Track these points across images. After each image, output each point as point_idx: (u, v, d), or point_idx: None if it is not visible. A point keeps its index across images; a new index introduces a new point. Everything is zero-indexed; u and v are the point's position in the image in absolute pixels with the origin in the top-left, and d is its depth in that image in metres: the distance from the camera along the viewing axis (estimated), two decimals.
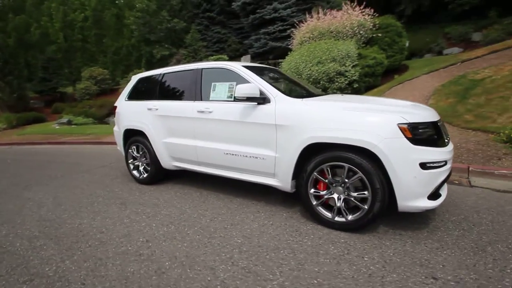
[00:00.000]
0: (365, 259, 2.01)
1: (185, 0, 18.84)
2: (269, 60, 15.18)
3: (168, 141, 3.52)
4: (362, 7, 9.64)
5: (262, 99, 2.69)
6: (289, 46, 14.87)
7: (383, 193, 2.18)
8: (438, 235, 2.27)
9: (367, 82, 8.81)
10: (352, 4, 9.94)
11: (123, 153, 4.21)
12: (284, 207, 2.94)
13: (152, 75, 3.88)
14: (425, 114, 2.32)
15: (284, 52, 15.00)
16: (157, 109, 3.57)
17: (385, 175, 2.16)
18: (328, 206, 2.49)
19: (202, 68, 3.29)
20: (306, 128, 2.42)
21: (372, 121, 2.20)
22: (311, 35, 9.89)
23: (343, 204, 2.37)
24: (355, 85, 8.19)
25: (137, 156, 3.97)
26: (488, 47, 10.06)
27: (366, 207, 2.25)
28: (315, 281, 1.80)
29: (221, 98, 3.06)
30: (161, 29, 17.54)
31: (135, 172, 4.03)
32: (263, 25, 15.80)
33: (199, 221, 2.71)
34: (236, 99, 2.73)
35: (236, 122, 2.86)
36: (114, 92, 20.42)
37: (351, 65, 8.38)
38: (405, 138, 2.11)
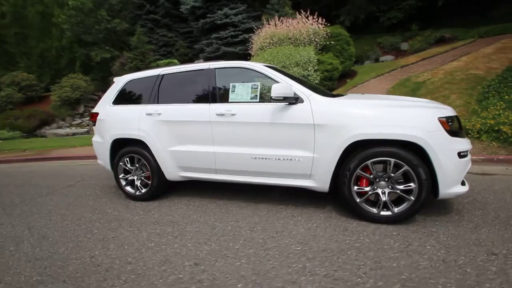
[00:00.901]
0: (428, 247, 2.10)
1: (126, 0, 17.39)
2: None
3: (176, 149, 3.14)
4: (314, 17, 10.31)
5: (295, 99, 2.62)
6: (242, 52, 15.09)
7: (429, 183, 2.32)
8: (466, 217, 2.52)
9: (326, 86, 9.42)
10: (305, 14, 10.54)
11: (109, 167, 3.61)
12: (316, 208, 2.90)
13: (146, 76, 3.44)
14: (450, 109, 2.56)
15: (237, 57, 15.12)
16: (159, 114, 3.17)
17: (429, 166, 2.31)
18: (369, 201, 2.54)
19: (215, 68, 3.05)
20: (348, 126, 2.44)
21: (415, 116, 2.34)
22: (271, 41, 10.15)
23: (388, 197, 2.45)
24: None
25: (131, 169, 3.45)
26: (416, 55, 11.78)
27: (412, 198, 2.37)
28: (404, 276, 1.80)
29: (243, 100, 2.87)
30: (99, 30, 15.78)
31: (129, 188, 3.49)
32: (214, 30, 15.60)
33: (239, 234, 2.47)
34: (272, 99, 2.59)
35: (267, 124, 2.72)
36: (44, 99, 17.55)
37: (313, 70, 8.87)
38: (444, 131, 2.29)
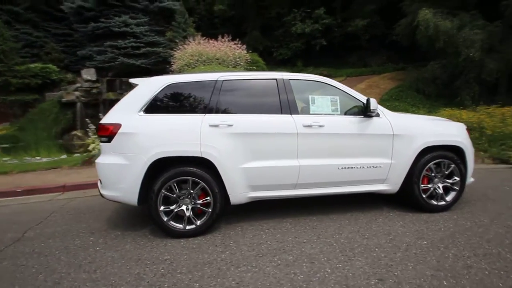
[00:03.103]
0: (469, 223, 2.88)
1: None
2: (121, 77, 13.12)
3: (250, 166, 2.74)
4: (237, 42, 10.95)
5: (378, 114, 2.97)
6: (144, 65, 13.74)
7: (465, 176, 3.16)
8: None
9: None
10: (228, 37, 11.04)
11: (134, 200, 2.63)
12: (377, 210, 3.25)
13: (197, 81, 2.84)
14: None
15: (139, 71, 13.61)
16: (231, 126, 2.68)
17: (463, 163, 3.17)
18: (430, 196, 3.14)
19: (289, 79, 2.95)
20: (418, 136, 3.01)
21: (456, 128, 3.19)
22: (199, 59, 9.94)
23: (442, 190, 3.13)
24: None
25: (178, 198, 2.66)
26: None
27: (457, 188, 3.15)
28: None
29: (324, 112, 2.94)
30: None
31: (173, 223, 2.65)
32: (109, 37, 13.52)
33: (345, 246, 2.43)
34: (369, 113, 2.83)
35: (354, 135, 2.90)
36: None
37: None
38: (468, 137, 3.25)
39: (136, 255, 2.40)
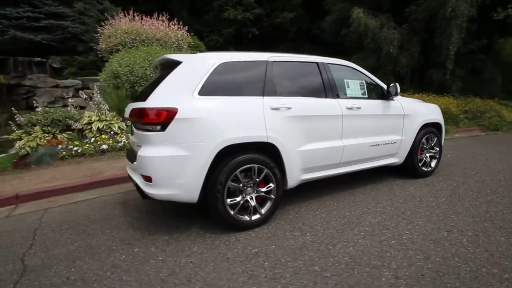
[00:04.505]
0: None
1: None
2: (16, 55, 10.31)
3: (305, 148, 2.76)
4: (174, 21, 10.05)
5: (393, 98, 3.43)
6: (46, 42, 11.10)
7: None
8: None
9: None
10: (166, 15, 10.02)
11: (195, 196, 2.30)
12: (384, 181, 3.77)
13: (249, 60, 2.62)
14: None
15: (39, 48, 10.95)
16: (289, 109, 2.61)
17: (438, 138, 4.00)
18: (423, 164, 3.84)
19: (328, 63, 3.05)
20: (418, 116, 3.64)
21: (436, 108, 3.97)
22: (137, 38, 8.70)
23: (428, 158, 3.90)
24: None
25: (243, 188, 2.46)
26: None
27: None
28: None
29: (356, 95, 3.19)
30: None
31: (239, 216, 2.45)
32: None
33: (394, 213, 2.87)
34: (391, 96, 3.28)
35: (380, 116, 3.29)
36: None
37: None
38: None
39: (220, 256, 2.14)
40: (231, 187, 2.40)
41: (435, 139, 3.88)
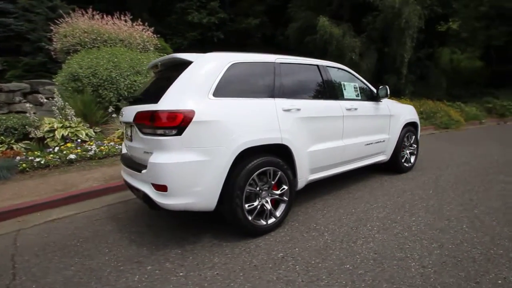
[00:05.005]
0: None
1: None
2: None
3: (313, 149, 2.78)
4: (141, 23, 9.52)
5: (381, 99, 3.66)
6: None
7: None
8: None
9: None
10: (129, 15, 9.43)
11: (213, 203, 2.17)
12: (373, 178, 3.99)
13: (258, 61, 2.56)
14: None
15: None
16: (299, 110, 2.62)
17: (416, 136, 4.37)
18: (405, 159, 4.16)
19: (326, 66, 3.13)
20: (401, 116, 3.93)
21: (413, 109, 4.32)
22: (97, 37, 8.02)
23: (409, 155, 4.22)
24: None
25: (260, 191, 2.38)
26: None
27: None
28: None
29: (351, 97, 3.33)
30: None
31: (256, 221, 2.36)
32: None
33: (395, 206, 3.06)
34: (380, 98, 3.54)
35: (373, 116, 3.47)
36: None
37: None
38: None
39: (246, 264, 2.03)
40: (248, 192, 2.31)
41: (414, 137, 4.23)
